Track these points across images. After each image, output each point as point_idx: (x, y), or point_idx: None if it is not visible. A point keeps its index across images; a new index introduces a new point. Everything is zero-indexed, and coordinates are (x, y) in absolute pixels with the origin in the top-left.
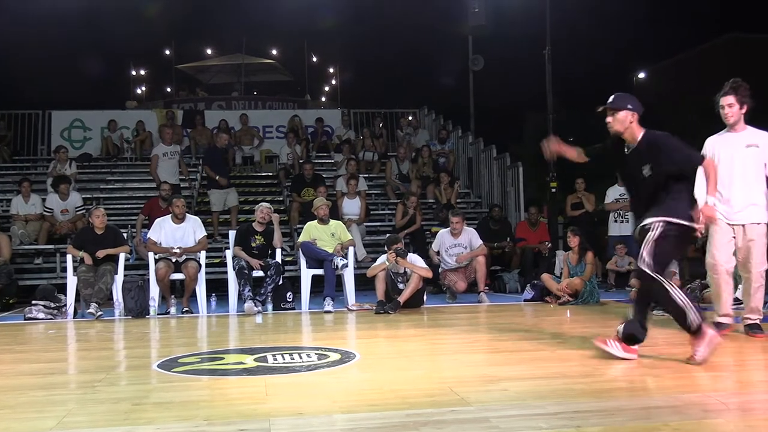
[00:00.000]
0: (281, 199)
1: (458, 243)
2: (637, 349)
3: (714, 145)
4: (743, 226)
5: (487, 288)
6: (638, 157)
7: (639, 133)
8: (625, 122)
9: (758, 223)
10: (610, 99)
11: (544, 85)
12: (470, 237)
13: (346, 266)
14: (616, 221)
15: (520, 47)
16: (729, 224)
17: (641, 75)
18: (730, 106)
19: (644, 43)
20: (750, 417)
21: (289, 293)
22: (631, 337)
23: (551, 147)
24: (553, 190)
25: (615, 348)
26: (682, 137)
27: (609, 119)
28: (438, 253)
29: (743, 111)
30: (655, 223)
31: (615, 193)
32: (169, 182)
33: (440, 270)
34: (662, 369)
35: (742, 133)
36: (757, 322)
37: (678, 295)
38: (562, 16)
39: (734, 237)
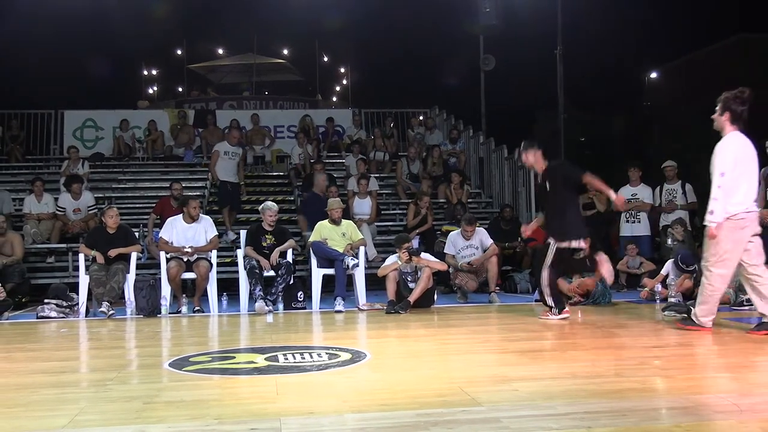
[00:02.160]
0: (292, 198)
1: (470, 244)
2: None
3: None
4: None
5: (498, 288)
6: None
7: (544, 164)
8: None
9: (704, 226)
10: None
11: (555, 85)
12: (481, 237)
13: (357, 266)
14: (627, 221)
15: (531, 47)
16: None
17: (653, 75)
18: (714, 113)
19: (655, 43)
20: (762, 418)
21: (300, 293)
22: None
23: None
24: None
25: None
26: (691, 137)
27: (524, 159)
28: (454, 256)
29: (724, 117)
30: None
31: (627, 193)
32: (230, 181)
33: (451, 270)
34: (673, 370)
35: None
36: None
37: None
38: (573, 16)
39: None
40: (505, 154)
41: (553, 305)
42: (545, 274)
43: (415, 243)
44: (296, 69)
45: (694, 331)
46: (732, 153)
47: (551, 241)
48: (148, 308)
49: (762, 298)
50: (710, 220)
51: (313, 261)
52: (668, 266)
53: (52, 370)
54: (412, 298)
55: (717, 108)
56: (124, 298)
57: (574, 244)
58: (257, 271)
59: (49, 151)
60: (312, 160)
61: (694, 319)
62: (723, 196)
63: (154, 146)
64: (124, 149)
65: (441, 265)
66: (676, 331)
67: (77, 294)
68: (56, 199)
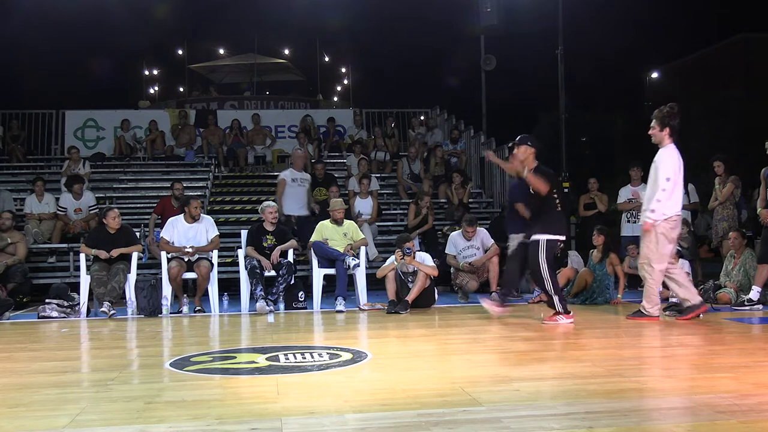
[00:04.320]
0: None
1: (471, 245)
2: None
3: None
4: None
5: (499, 288)
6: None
7: (534, 164)
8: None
9: (642, 224)
10: (518, 138)
11: (556, 85)
12: (482, 238)
13: (358, 266)
14: (628, 221)
15: (532, 47)
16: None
17: (654, 75)
18: (652, 129)
19: (656, 43)
20: (764, 419)
21: (300, 293)
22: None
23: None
24: (566, 190)
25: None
26: (692, 137)
27: (515, 151)
28: (455, 257)
29: (664, 132)
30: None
31: (627, 193)
32: (294, 215)
33: (452, 270)
34: (674, 370)
35: (659, 151)
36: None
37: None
38: (574, 16)
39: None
40: (506, 154)
41: (560, 307)
42: (546, 273)
43: (416, 243)
44: (297, 69)
45: (645, 321)
46: (673, 163)
47: (538, 237)
48: (149, 308)
49: (681, 286)
50: (650, 217)
51: (314, 261)
52: None
53: (54, 370)
54: (409, 298)
55: (654, 124)
56: (125, 298)
57: (559, 237)
58: (258, 271)
59: (50, 151)
60: (313, 160)
61: (642, 311)
62: (665, 199)
63: (154, 146)
64: (125, 149)
65: (432, 270)
66: (677, 331)
67: (78, 294)
68: (57, 199)
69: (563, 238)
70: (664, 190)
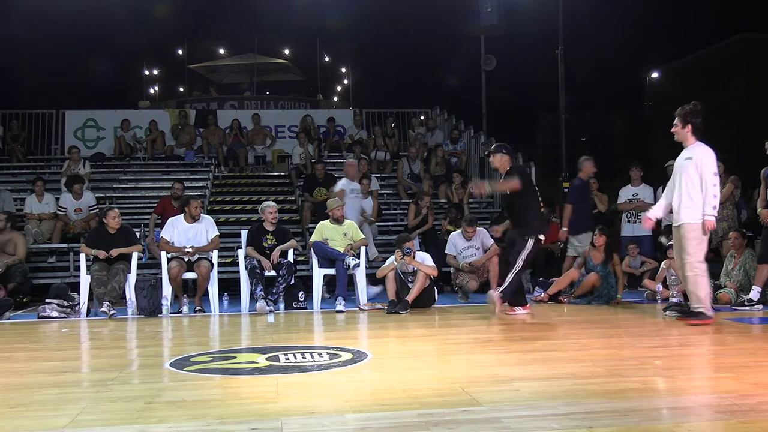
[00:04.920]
0: (293, 198)
1: (471, 245)
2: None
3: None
4: (680, 225)
5: (499, 288)
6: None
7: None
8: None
9: (689, 223)
10: (493, 146)
11: (556, 85)
12: (482, 238)
13: (358, 266)
14: (629, 221)
15: (532, 47)
16: (674, 226)
17: (654, 75)
18: (674, 126)
19: (656, 43)
20: (764, 419)
21: (300, 293)
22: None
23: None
24: (566, 190)
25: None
26: None
27: (491, 159)
28: (455, 257)
29: (686, 130)
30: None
31: (628, 193)
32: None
33: (452, 270)
34: (675, 370)
35: (687, 148)
36: (699, 309)
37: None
38: (574, 16)
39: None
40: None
41: (507, 296)
42: (519, 269)
43: (416, 243)
44: (297, 69)
45: (703, 323)
46: (713, 158)
47: (525, 238)
48: (149, 308)
49: (701, 290)
50: (712, 214)
51: (314, 261)
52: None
53: (54, 369)
54: (409, 297)
55: (677, 121)
56: (125, 298)
57: (542, 237)
58: (258, 271)
59: (50, 151)
60: (313, 160)
61: (704, 312)
62: (718, 194)
63: (154, 146)
64: (126, 149)
65: (431, 270)
66: (677, 331)
67: (78, 294)
68: (57, 199)
69: (543, 237)
70: (715, 185)
